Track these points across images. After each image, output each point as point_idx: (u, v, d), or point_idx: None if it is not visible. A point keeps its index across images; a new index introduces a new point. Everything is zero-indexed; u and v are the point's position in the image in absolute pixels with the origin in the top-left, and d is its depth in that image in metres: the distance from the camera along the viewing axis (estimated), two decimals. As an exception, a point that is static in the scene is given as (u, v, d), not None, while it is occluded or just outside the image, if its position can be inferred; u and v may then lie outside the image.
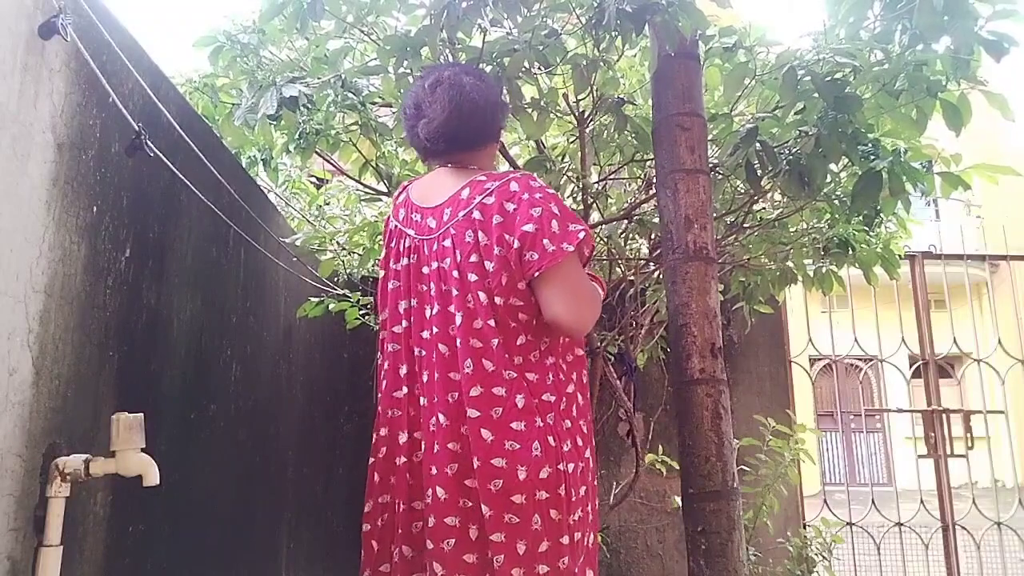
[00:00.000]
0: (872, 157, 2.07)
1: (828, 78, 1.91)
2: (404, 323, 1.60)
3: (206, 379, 1.94)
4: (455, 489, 1.46)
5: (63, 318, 1.28)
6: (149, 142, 1.49)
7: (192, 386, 1.84)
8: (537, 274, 1.46)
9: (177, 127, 1.68)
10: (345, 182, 2.96)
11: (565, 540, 1.45)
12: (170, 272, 1.72)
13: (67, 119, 1.30)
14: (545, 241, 1.45)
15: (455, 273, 1.51)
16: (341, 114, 2.32)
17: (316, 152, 2.42)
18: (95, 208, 1.39)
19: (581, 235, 1.49)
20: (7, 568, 1.13)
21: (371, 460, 1.62)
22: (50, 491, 1.19)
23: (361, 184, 2.76)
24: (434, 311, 1.53)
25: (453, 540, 1.44)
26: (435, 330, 1.53)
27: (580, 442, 1.53)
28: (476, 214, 1.51)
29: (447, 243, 1.53)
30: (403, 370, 1.59)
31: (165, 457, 1.38)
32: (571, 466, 1.48)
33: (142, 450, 1.26)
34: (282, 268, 2.55)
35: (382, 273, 1.71)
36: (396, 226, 1.68)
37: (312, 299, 2.66)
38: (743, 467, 2.71)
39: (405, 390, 1.58)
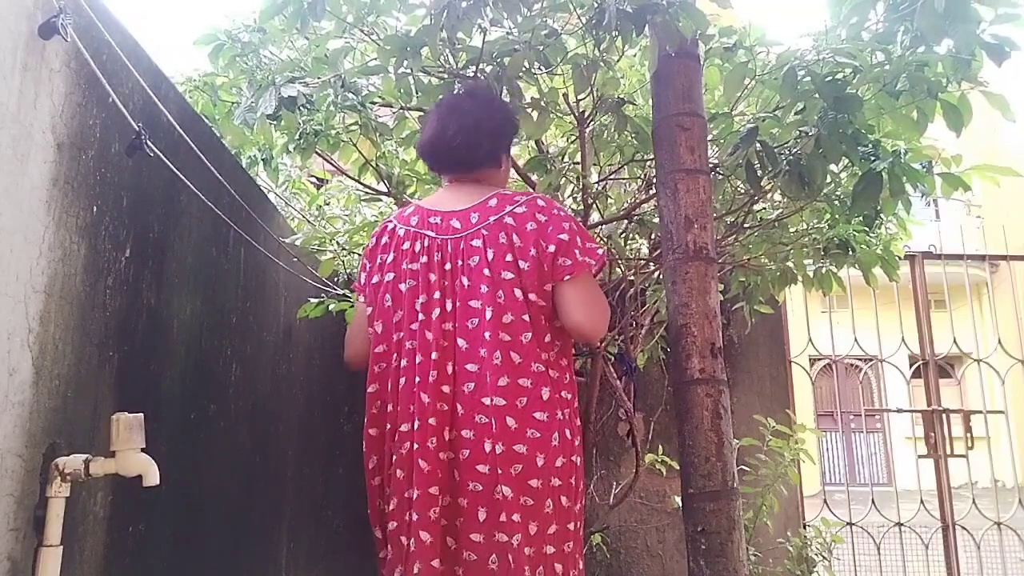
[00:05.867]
0: (872, 158, 2.07)
1: (828, 78, 1.91)
2: (421, 317, 1.63)
3: (206, 379, 1.93)
4: (465, 473, 1.54)
5: (63, 318, 1.28)
6: (149, 142, 1.49)
7: (192, 386, 1.84)
8: (568, 278, 1.59)
9: (177, 127, 1.68)
10: (345, 182, 2.96)
11: (572, 527, 1.59)
12: (170, 272, 1.71)
13: (67, 119, 1.30)
14: (576, 251, 1.61)
15: (486, 271, 1.59)
16: (341, 114, 2.32)
17: (316, 152, 2.42)
18: (95, 208, 1.39)
19: (600, 252, 1.66)
20: (7, 568, 1.13)
21: (394, 456, 1.61)
22: (50, 491, 1.19)
23: (361, 184, 2.76)
24: (456, 305, 1.60)
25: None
26: (455, 325, 1.60)
27: (579, 441, 1.68)
28: (508, 219, 1.63)
29: (476, 243, 1.62)
30: (418, 359, 1.61)
31: (165, 457, 1.37)
32: (579, 460, 1.63)
33: (142, 450, 1.26)
34: (282, 268, 2.55)
35: (387, 278, 1.72)
36: (408, 230, 1.71)
37: (312, 299, 2.65)
38: (743, 467, 2.71)
39: (419, 380, 1.59)
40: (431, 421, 1.56)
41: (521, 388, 1.54)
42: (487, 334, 1.55)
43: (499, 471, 1.51)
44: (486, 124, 1.72)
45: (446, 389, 1.57)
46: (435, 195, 1.83)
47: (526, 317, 1.57)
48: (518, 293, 1.57)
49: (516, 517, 1.49)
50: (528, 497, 1.51)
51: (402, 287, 1.68)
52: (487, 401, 1.53)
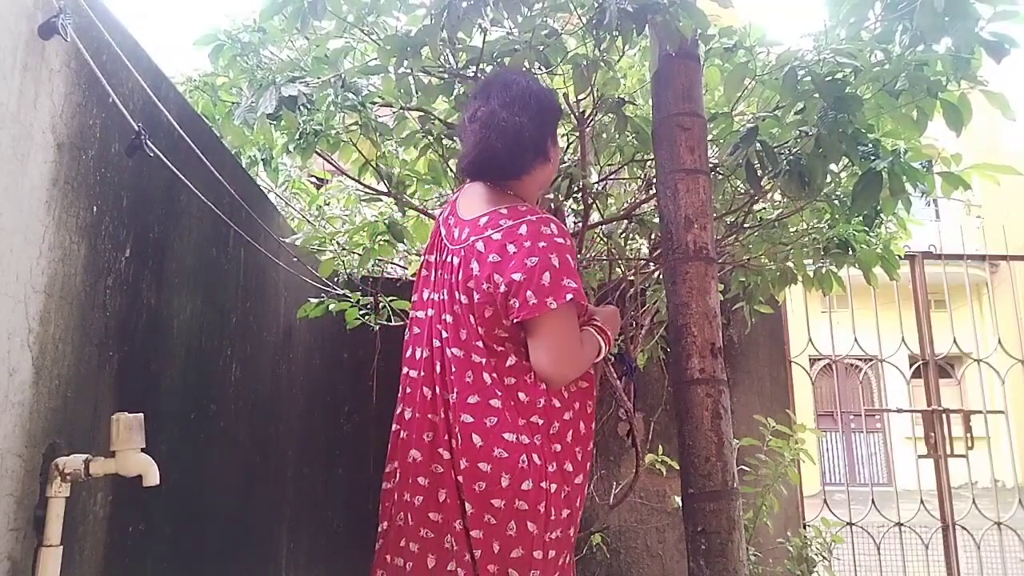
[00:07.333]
0: (872, 157, 2.07)
1: (828, 78, 1.91)
2: (429, 311, 1.66)
3: (206, 379, 1.93)
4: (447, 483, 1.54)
5: (63, 318, 1.28)
6: (149, 142, 1.49)
7: (192, 386, 1.84)
8: (516, 320, 1.51)
9: (177, 127, 1.68)
10: (345, 182, 2.96)
11: (538, 555, 1.51)
12: (170, 272, 1.71)
13: (67, 119, 1.30)
14: (529, 293, 1.48)
15: (457, 293, 1.59)
16: (341, 114, 2.32)
17: (316, 152, 2.42)
18: (95, 208, 1.39)
19: (569, 296, 1.50)
20: (7, 568, 1.13)
21: (402, 434, 1.64)
22: (50, 491, 1.19)
23: (361, 184, 2.76)
24: (447, 317, 1.61)
25: (431, 533, 1.53)
26: (447, 334, 1.59)
27: (570, 467, 1.58)
28: (480, 245, 1.56)
29: (456, 261, 1.61)
30: (421, 352, 1.64)
31: (165, 457, 1.38)
32: (554, 487, 1.53)
33: (142, 450, 1.26)
34: (282, 268, 2.55)
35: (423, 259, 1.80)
36: (438, 219, 1.77)
37: (312, 300, 2.65)
38: (743, 467, 2.71)
39: (417, 372, 1.64)
40: (431, 416, 1.60)
41: (491, 408, 1.52)
42: (462, 352, 1.55)
43: (465, 486, 1.51)
44: (528, 131, 1.62)
45: (429, 391, 1.59)
46: (471, 188, 1.74)
47: (480, 344, 1.54)
48: (472, 320, 1.55)
49: (478, 533, 1.49)
50: (491, 516, 1.49)
51: (422, 272, 1.75)
52: (460, 417, 1.53)
